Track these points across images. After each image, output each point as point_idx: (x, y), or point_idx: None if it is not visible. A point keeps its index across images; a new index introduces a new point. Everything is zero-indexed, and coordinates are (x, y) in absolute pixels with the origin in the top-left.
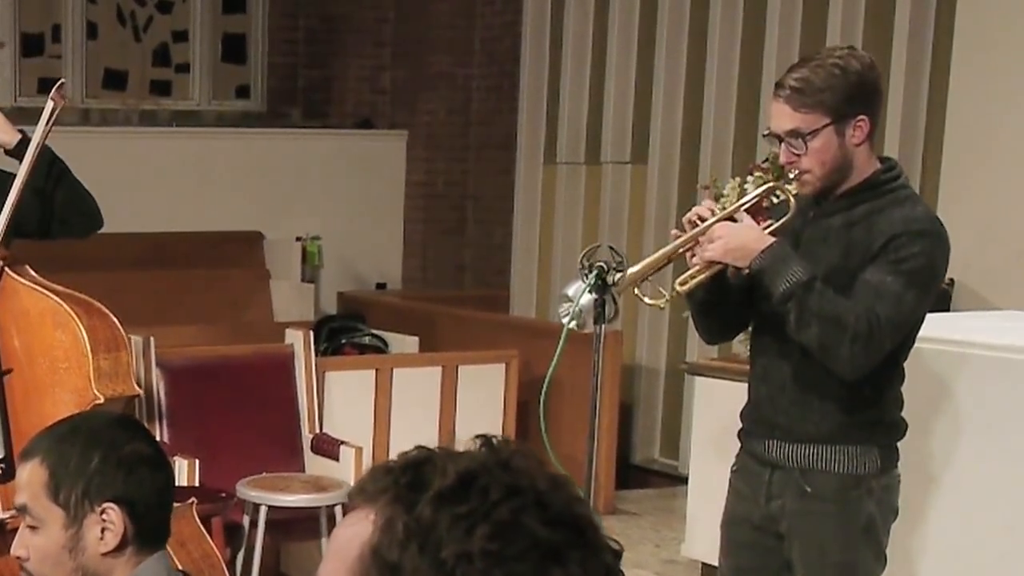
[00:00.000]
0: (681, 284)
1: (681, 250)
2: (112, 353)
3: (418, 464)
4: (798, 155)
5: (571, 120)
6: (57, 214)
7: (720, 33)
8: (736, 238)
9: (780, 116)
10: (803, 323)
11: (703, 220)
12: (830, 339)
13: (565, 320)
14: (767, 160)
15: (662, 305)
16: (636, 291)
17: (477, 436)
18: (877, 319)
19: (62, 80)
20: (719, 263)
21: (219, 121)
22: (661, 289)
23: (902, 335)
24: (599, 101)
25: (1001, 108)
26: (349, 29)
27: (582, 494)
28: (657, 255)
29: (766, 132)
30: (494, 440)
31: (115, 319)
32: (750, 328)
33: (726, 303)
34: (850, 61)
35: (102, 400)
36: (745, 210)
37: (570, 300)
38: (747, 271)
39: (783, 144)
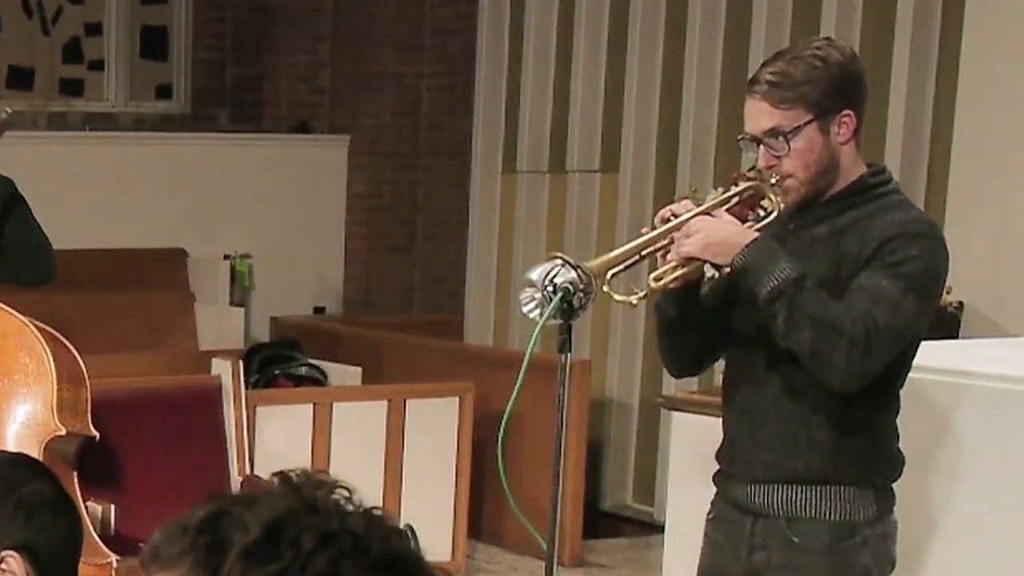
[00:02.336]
0: (656, 280)
1: (653, 247)
2: (74, 387)
3: (215, 518)
4: (779, 157)
5: (533, 124)
6: (4, 252)
7: (700, 27)
8: (716, 232)
9: (757, 114)
10: (793, 325)
11: (677, 217)
12: (824, 344)
13: (527, 309)
14: (753, 168)
15: (634, 302)
16: (605, 288)
17: (275, 474)
18: (875, 324)
19: (8, 111)
20: (697, 259)
21: (137, 124)
22: (634, 287)
23: (902, 345)
24: (564, 102)
25: (1017, 111)
26: (283, 21)
27: (400, 525)
28: (626, 247)
29: (741, 136)
30: (294, 477)
31: (77, 353)
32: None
33: (698, 324)
34: (830, 52)
35: (63, 432)
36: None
37: (533, 285)
38: (728, 269)
39: (761, 147)
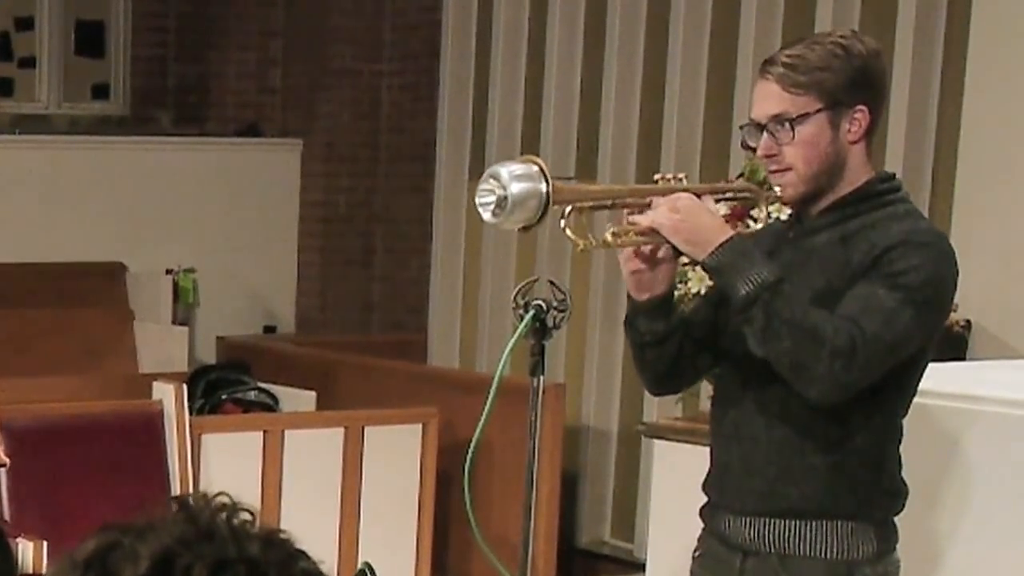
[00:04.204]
0: (613, 235)
1: (629, 199)
2: None
3: (104, 552)
4: (781, 146)
5: (502, 127)
6: None
7: (684, 22)
8: (694, 217)
9: (766, 97)
10: (771, 333)
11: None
12: (804, 354)
13: (482, 201)
14: (742, 174)
15: (582, 245)
16: (562, 222)
17: (172, 499)
18: (861, 334)
19: None
20: (661, 237)
21: (72, 127)
22: (592, 236)
23: (893, 360)
24: (537, 104)
25: None
26: (231, 16)
27: (301, 547)
28: (604, 187)
29: (744, 123)
30: (191, 502)
31: None
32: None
33: (669, 336)
34: (854, 43)
35: None
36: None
37: (497, 179)
38: (699, 266)
39: (764, 133)
